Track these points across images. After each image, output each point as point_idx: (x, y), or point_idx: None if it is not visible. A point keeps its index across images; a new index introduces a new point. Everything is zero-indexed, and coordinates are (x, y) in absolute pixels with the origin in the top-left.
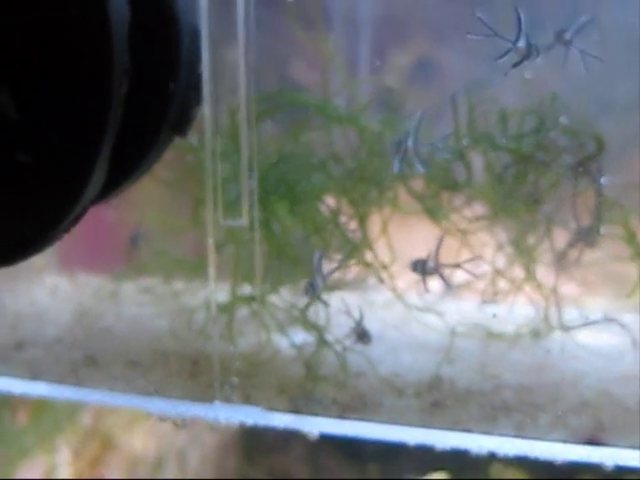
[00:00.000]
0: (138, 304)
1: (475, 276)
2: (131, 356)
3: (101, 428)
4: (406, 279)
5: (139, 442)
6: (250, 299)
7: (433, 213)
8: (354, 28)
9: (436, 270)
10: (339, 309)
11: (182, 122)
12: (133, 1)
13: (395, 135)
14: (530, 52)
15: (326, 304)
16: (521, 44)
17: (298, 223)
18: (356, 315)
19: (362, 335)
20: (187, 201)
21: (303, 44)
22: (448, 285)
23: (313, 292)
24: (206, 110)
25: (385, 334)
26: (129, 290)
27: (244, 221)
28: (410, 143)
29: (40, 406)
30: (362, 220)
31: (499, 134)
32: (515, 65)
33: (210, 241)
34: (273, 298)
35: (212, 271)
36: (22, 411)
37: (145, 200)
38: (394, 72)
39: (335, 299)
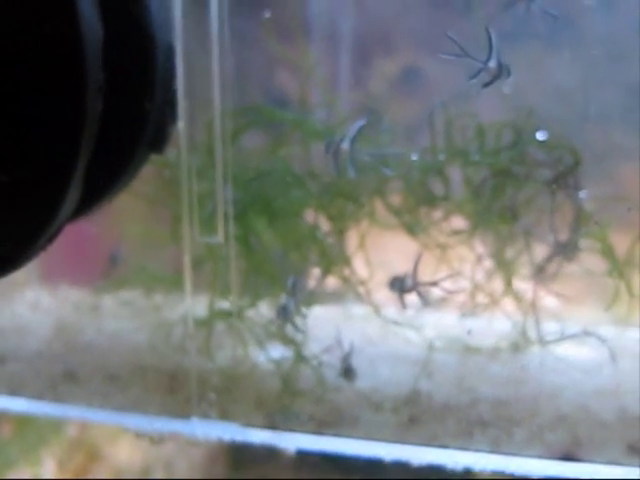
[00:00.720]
0: (118, 318)
1: (451, 292)
2: (110, 370)
3: (86, 439)
4: (385, 292)
5: (125, 453)
6: (227, 314)
7: (411, 228)
8: (336, 40)
9: (414, 288)
10: (316, 324)
11: (158, 139)
12: (107, 18)
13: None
14: (501, 72)
15: (299, 329)
16: (492, 64)
17: (276, 238)
18: (345, 348)
19: (348, 371)
20: (166, 216)
21: (285, 57)
22: (425, 301)
23: (285, 316)
24: (181, 126)
25: (364, 348)
26: (109, 304)
27: (220, 237)
28: (345, 145)
29: (24, 418)
30: (340, 236)
31: (476, 148)
32: (486, 85)
33: (187, 258)
34: (251, 313)
35: (189, 287)
36: (6, 423)
37: (125, 215)
38: (377, 83)
39: (314, 312)
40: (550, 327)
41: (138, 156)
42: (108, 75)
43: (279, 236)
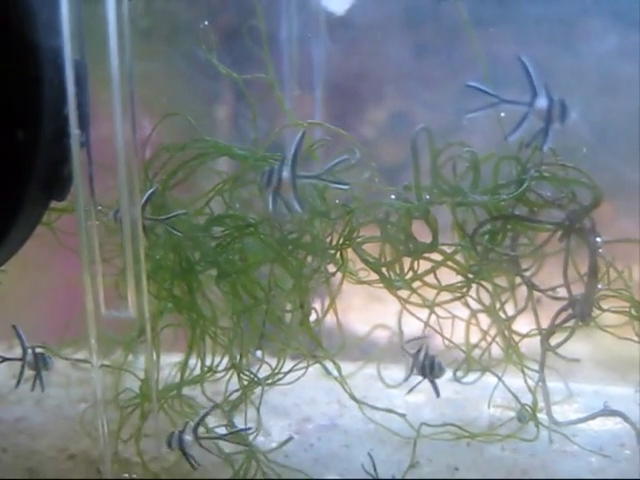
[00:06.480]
0: (64, 384)
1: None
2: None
3: None
4: None
5: None
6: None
7: (391, 284)
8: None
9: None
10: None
11: (54, 180)
12: None
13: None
14: (556, 111)
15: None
16: (541, 102)
17: (227, 299)
18: None
19: None
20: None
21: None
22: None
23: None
24: (76, 165)
25: (336, 420)
26: (61, 365)
27: (131, 312)
28: (286, 174)
29: None
30: (303, 299)
31: (470, 185)
32: (544, 134)
33: (91, 336)
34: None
35: (98, 377)
36: None
37: None
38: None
39: None
40: (557, 389)
41: (29, 203)
42: None
43: (229, 296)
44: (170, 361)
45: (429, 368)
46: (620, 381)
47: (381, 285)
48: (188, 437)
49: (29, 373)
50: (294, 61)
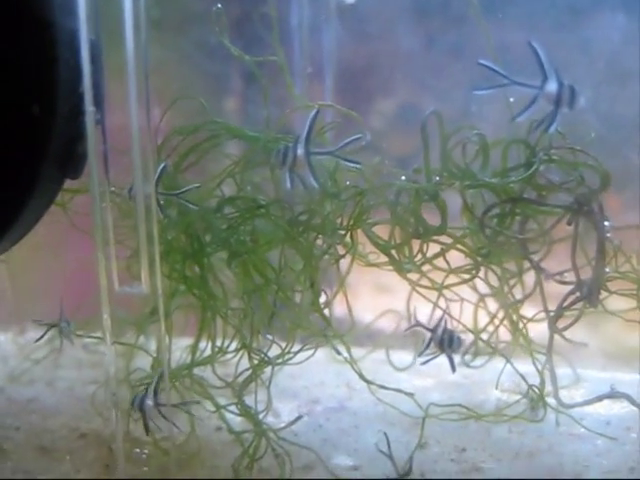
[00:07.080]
0: (76, 366)
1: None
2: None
3: None
4: None
5: None
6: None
7: (400, 267)
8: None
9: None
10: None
11: (68, 158)
12: None
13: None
14: (565, 95)
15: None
16: (552, 87)
17: (238, 280)
18: None
19: None
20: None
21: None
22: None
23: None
24: (91, 144)
25: (345, 403)
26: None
27: (144, 288)
28: (300, 151)
29: None
30: (313, 279)
31: (479, 168)
32: (551, 118)
33: (104, 313)
34: (206, 373)
35: (111, 354)
36: None
37: None
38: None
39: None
40: (564, 375)
41: (43, 180)
42: None
43: (241, 276)
44: (181, 344)
45: (448, 342)
46: (626, 367)
47: (390, 268)
48: (149, 402)
49: (38, 357)
50: (305, 48)
